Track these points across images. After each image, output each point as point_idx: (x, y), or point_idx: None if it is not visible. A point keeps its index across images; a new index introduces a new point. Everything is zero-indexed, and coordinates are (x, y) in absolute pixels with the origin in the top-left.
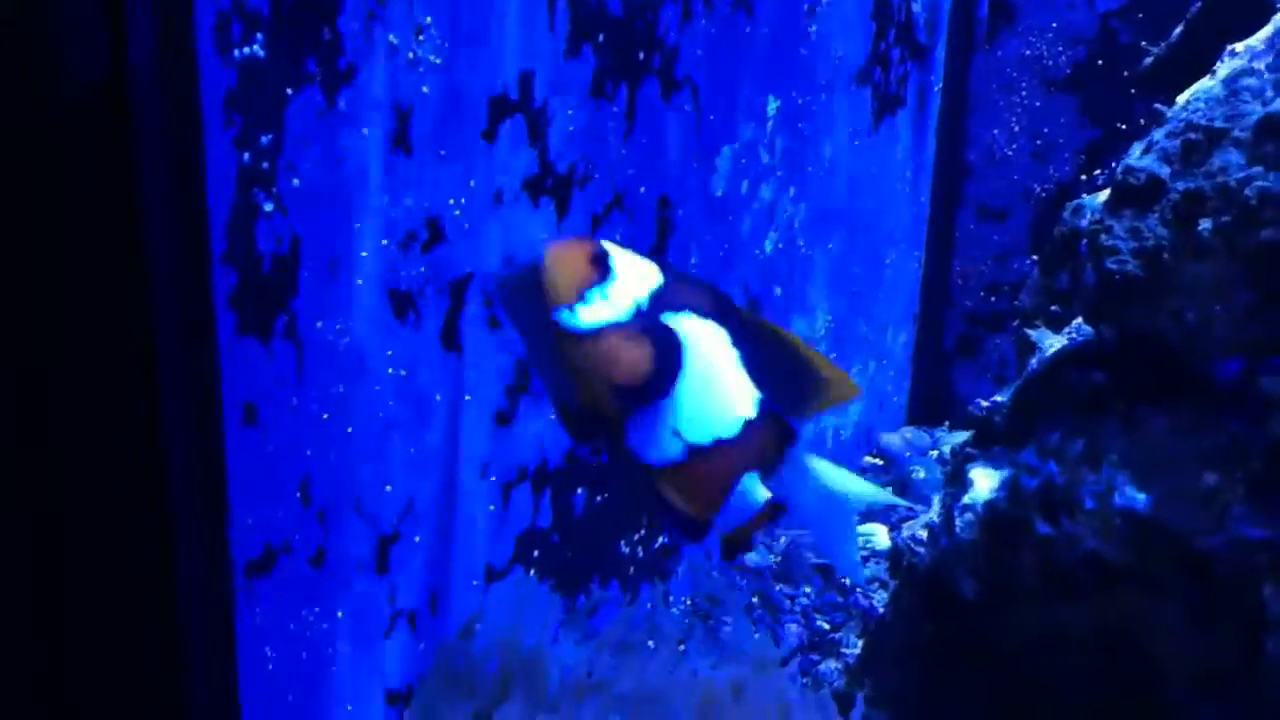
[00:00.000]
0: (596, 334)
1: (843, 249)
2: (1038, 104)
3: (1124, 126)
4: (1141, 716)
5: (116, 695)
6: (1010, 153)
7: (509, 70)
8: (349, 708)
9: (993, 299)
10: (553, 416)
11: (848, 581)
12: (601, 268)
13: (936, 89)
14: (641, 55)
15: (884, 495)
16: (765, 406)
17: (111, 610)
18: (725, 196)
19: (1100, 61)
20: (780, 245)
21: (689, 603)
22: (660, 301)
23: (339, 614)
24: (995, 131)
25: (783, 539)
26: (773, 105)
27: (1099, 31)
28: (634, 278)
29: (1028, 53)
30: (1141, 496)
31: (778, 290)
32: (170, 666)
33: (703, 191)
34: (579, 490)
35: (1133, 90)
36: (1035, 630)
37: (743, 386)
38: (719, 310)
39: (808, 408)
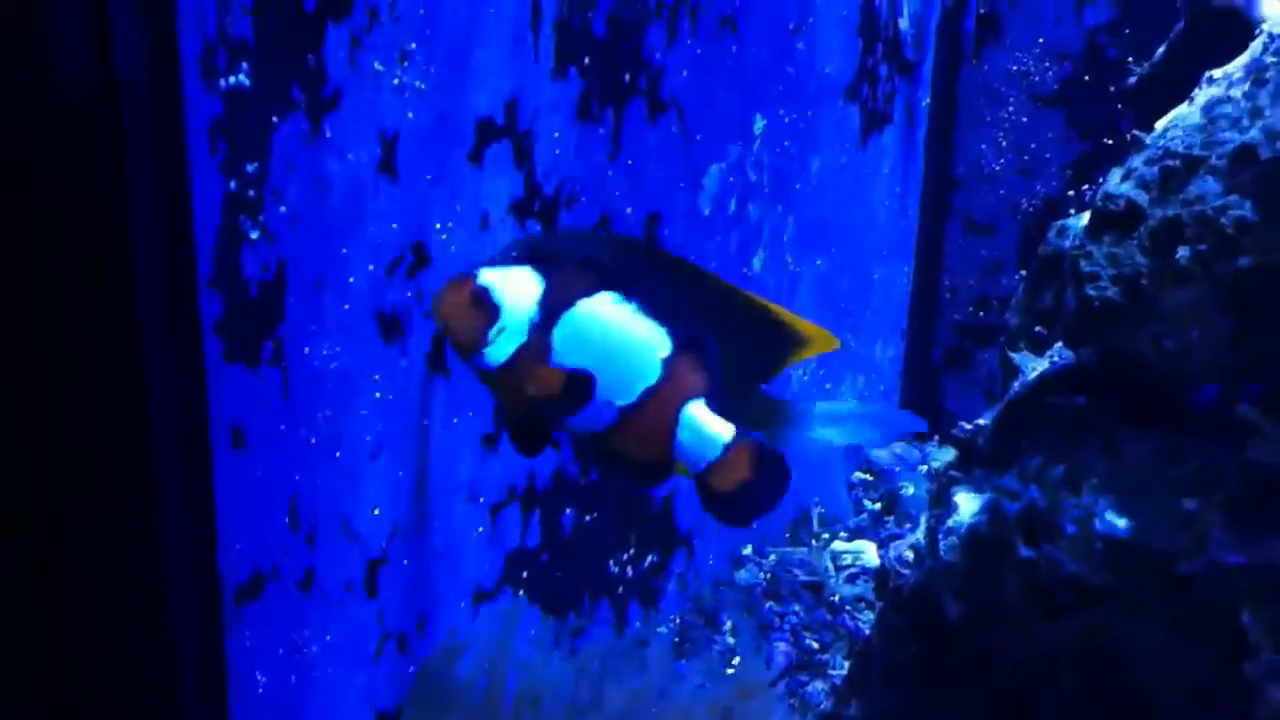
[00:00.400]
0: (507, 366)
1: (831, 265)
2: (1025, 119)
3: (1110, 142)
4: None
5: None
6: (998, 168)
7: (495, 94)
8: None
9: (981, 313)
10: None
11: (836, 598)
12: (489, 307)
13: (924, 104)
14: (627, 77)
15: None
16: (677, 337)
17: (102, 636)
18: (712, 215)
19: (1087, 77)
20: (768, 263)
21: (678, 620)
22: (548, 307)
23: (328, 637)
24: (983, 146)
25: (772, 556)
26: (760, 124)
27: (1085, 47)
28: (518, 299)
29: (1015, 68)
30: (1122, 521)
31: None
32: (162, 692)
33: (690, 211)
34: (567, 510)
35: (1119, 106)
36: (1019, 652)
37: (648, 333)
38: (604, 274)
39: (786, 359)
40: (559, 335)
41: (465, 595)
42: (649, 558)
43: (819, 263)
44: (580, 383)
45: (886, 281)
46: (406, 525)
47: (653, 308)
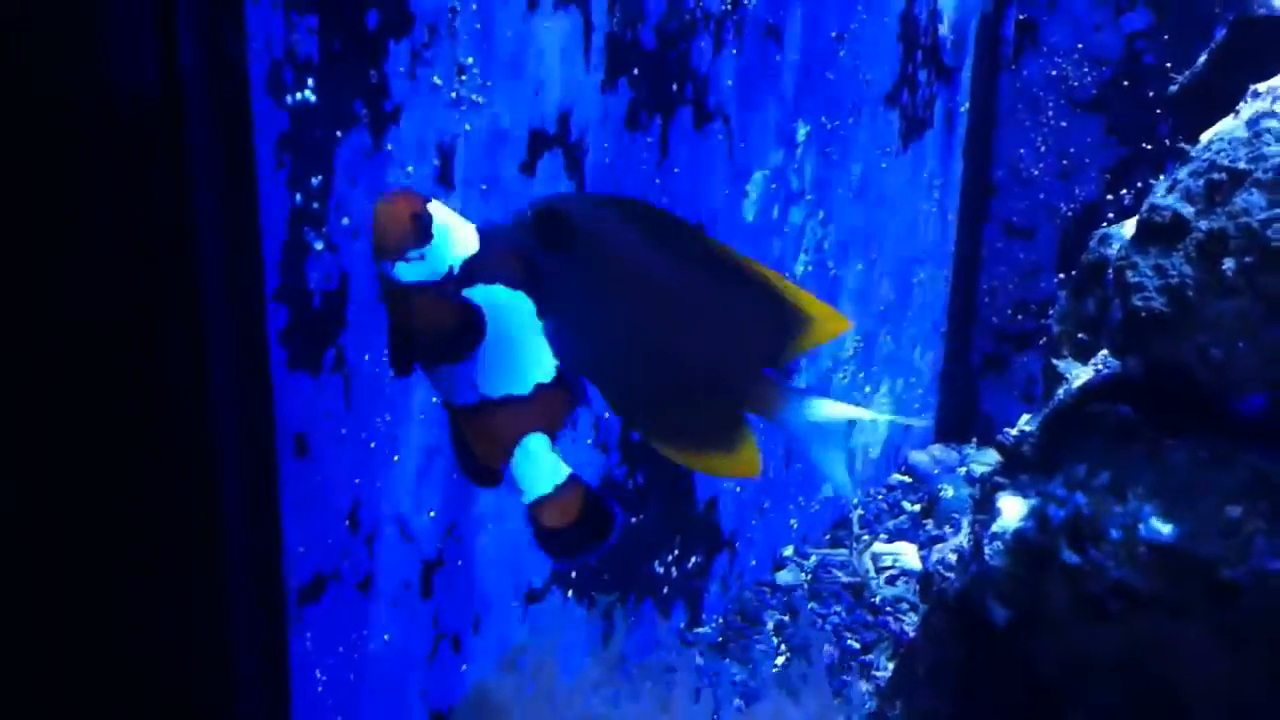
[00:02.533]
0: (408, 290)
1: (870, 269)
2: (1064, 124)
3: (1149, 147)
4: None
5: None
6: (1036, 172)
7: (547, 105)
8: None
9: (1019, 317)
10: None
11: (877, 599)
12: (423, 230)
13: (963, 110)
14: (675, 86)
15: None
16: (560, 376)
17: (166, 635)
18: (756, 221)
19: (1125, 82)
20: (810, 267)
21: (721, 620)
22: (472, 270)
23: (385, 636)
24: (1022, 151)
25: (813, 557)
26: (802, 131)
27: (1124, 52)
28: (451, 243)
29: (1053, 73)
30: (1167, 528)
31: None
32: (224, 689)
33: (734, 217)
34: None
35: (1158, 111)
36: (1063, 657)
37: (539, 355)
38: (531, 279)
39: (796, 345)
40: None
41: (517, 596)
42: (693, 559)
43: (859, 267)
44: (470, 327)
45: (925, 285)
46: (460, 527)
47: (557, 342)
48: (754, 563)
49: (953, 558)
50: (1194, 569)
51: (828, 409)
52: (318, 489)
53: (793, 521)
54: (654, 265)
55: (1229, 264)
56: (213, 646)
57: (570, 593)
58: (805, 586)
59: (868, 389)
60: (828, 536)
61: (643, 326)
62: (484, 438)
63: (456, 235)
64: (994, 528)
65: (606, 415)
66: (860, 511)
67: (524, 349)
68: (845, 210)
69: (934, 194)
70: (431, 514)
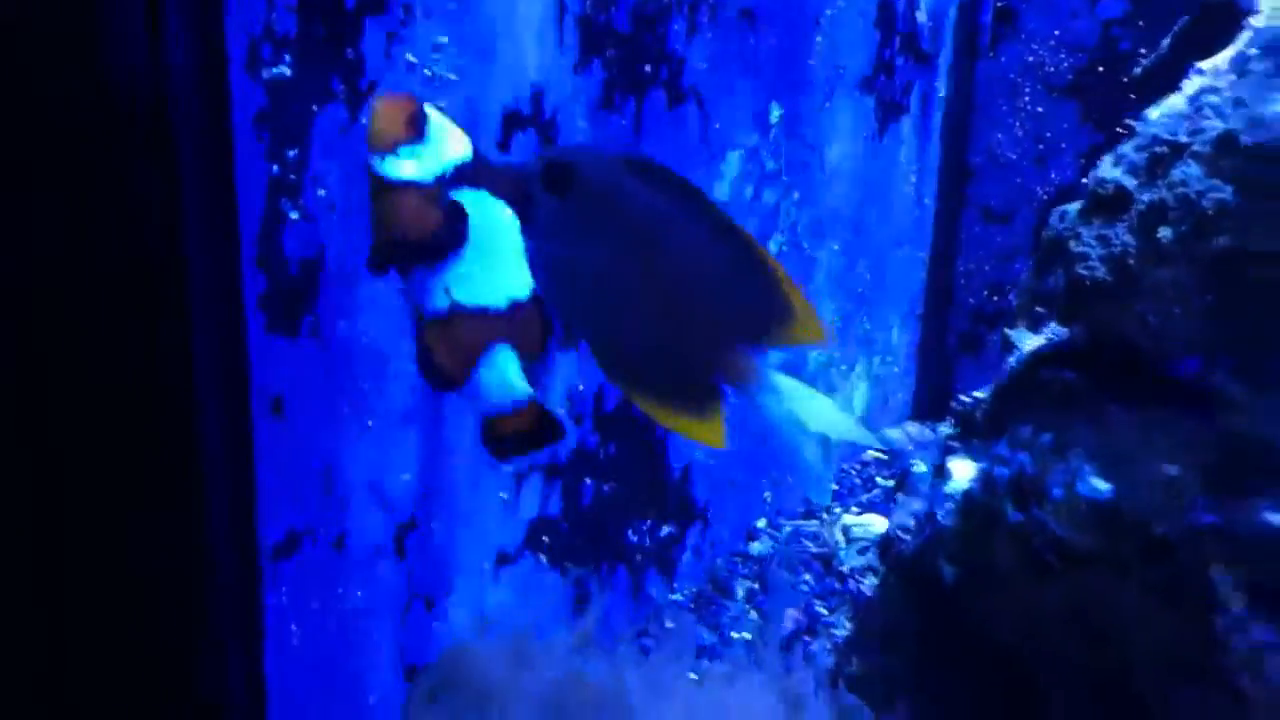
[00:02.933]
0: (397, 187)
1: (847, 251)
2: (1040, 109)
3: (1124, 132)
4: (1116, 694)
5: (150, 670)
6: (1014, 156)
7: (521, 85)
8: (369, 684)
9: (995, 298)
10: None
11: (846, 568)
12: (418, 129)
13: (941, 95)
14: (649, 68)
15: (850, 427)
16: (536, 298)
17: (144, 590)
18: (730, 201)
19: (1101, 68)
20: (785, 247)
21: (693, 589)
22: (462, 175)
23: (359, 594)
24: (999, 136)
25: (786, 529)
26: (776, 113)
27: (1100, 39)
28: (445, 145)
29: (1030, 59)
30: (1105, 486)
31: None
32: (201, 640)
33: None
34: (587, 481)
35: (1132, 96)
36: (1011, 614)
37: (518, 272)
38: (518, 197)
39: (770, 337)
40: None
41: (489, 559)
42: (666, 529)
43: (835, 247)
44: (453, 230)
45: (902, 267)
46: (434, 492)
47: (545, 282)
48: (727, 534)
49: (911, 522)
50: (1130, 526)
51: (801, 395)
52: (293, 449)
53: (766, 494)
54: (652, 221)
55: (1166, 233)
56: (190, 597)
57: (543, 557)
58: (776, 556)
59: (843, 367)
60: (801, 509)
61: (632, 278)
62: (451, 345)
63: (451, 138)
64: (945, 490)
65: (580, 388)
66: (834, 486)
67: (503, 261)
68: (820, 192)
69: (910, 178)
70: (406, 477)
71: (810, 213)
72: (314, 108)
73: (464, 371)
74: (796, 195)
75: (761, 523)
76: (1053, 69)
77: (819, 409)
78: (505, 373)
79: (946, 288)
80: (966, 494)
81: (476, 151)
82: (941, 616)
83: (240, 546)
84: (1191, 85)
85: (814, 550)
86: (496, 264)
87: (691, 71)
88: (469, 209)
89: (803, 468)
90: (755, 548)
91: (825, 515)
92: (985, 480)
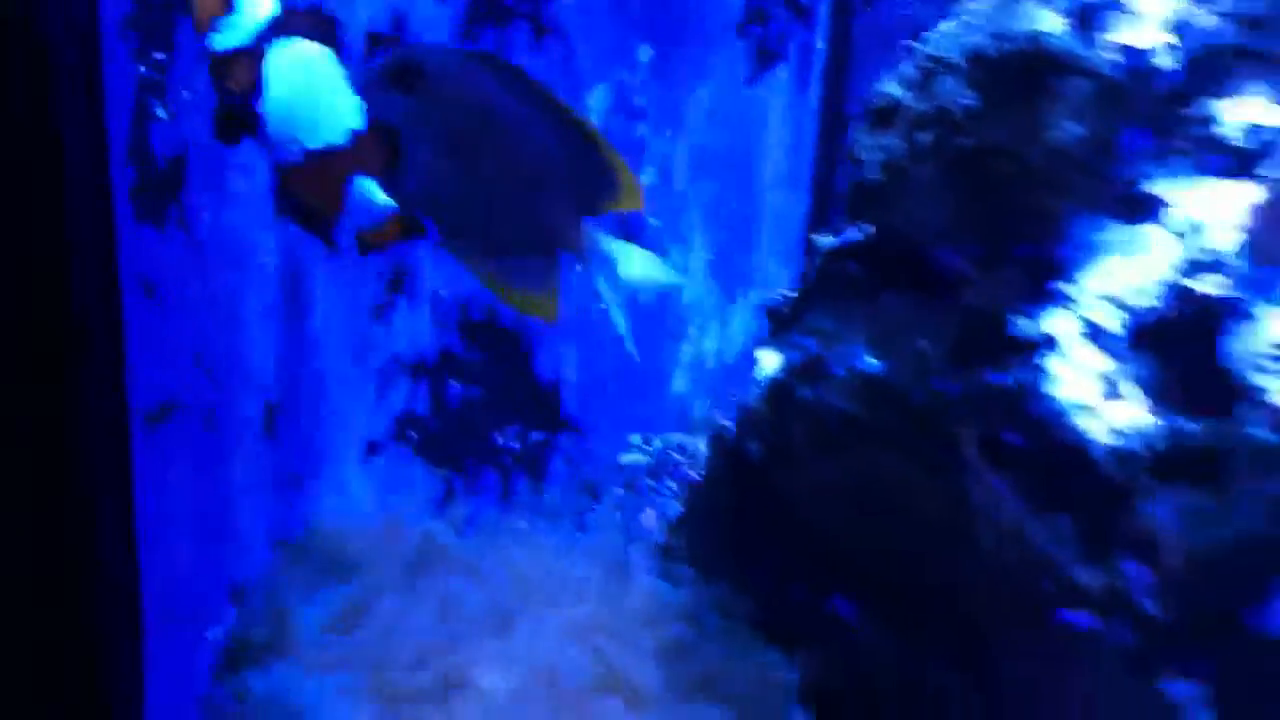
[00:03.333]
0: (222, 57)
1: (723, 188)
2: None
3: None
4: (897, 557)
5: (21, 526)
6: None
7: (380, 11)
8: (238, 551)
9: None
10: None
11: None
12: (228, 3)
13: (819, 47)
14: (510, 1)
15: (664, 271)
16: (372, 120)
17: (19, 450)
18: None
19: None
20: (656, 182)
21: (560, 494)
22: (276, 27)
23: (229, 467)
24: (874, 85)
25: (657, 442)
26: (646, 53)
27: None
28: (253, 9)
29: (906, 13)
30: (876, 362)
31: (654, 222)
32: (81, 494)
33: None
34: (454, 383)
35: None
36: (807, 485)
37: (348, 103)
38: (331, 36)
39: (600, 205)
40: (273, 54)
41: (357, 446)
42: (535, 436)
43: (709, 186)
44: (264, 76)
45: (781, 208)
46: (301, 380)
47: (365, 92)
48: (600, 444)
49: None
50: (894, 397)
51: (624, 251)
52: (164, 328)
53: (640, 408)
54: (492, 106)
55: (925, 137)
56: (64, 460)
57: (413, 451)
58: (645, 466)
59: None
60: (675, 423)
61: (474, 160)
62: (313, 188)
63: (258, 1)
64: (756, 377)
65: (444, 293)
66: (708, 401)
67: (332, 98)
68: (693, 132)
69: (788, 124)
70: (272, 365)
71: (683, 150)
72: (178, 14)
73: (333, 207)
74: (669, 133)
75: (636, 438)
76: (924, 23)
77: (636, 259)
78: (366, 197)
79: (822, 228)
80: (771, 380)
81: (286, 7)
82: (754, 493)
83: (113, 414)
84: (964, 9)
85: (681, 460)
86: (328, 101)
87: (557, 6)
88: (289, 57)
89: (619, 325)
90: (627, 458)
91: (697, 429)
92: (784, 365)
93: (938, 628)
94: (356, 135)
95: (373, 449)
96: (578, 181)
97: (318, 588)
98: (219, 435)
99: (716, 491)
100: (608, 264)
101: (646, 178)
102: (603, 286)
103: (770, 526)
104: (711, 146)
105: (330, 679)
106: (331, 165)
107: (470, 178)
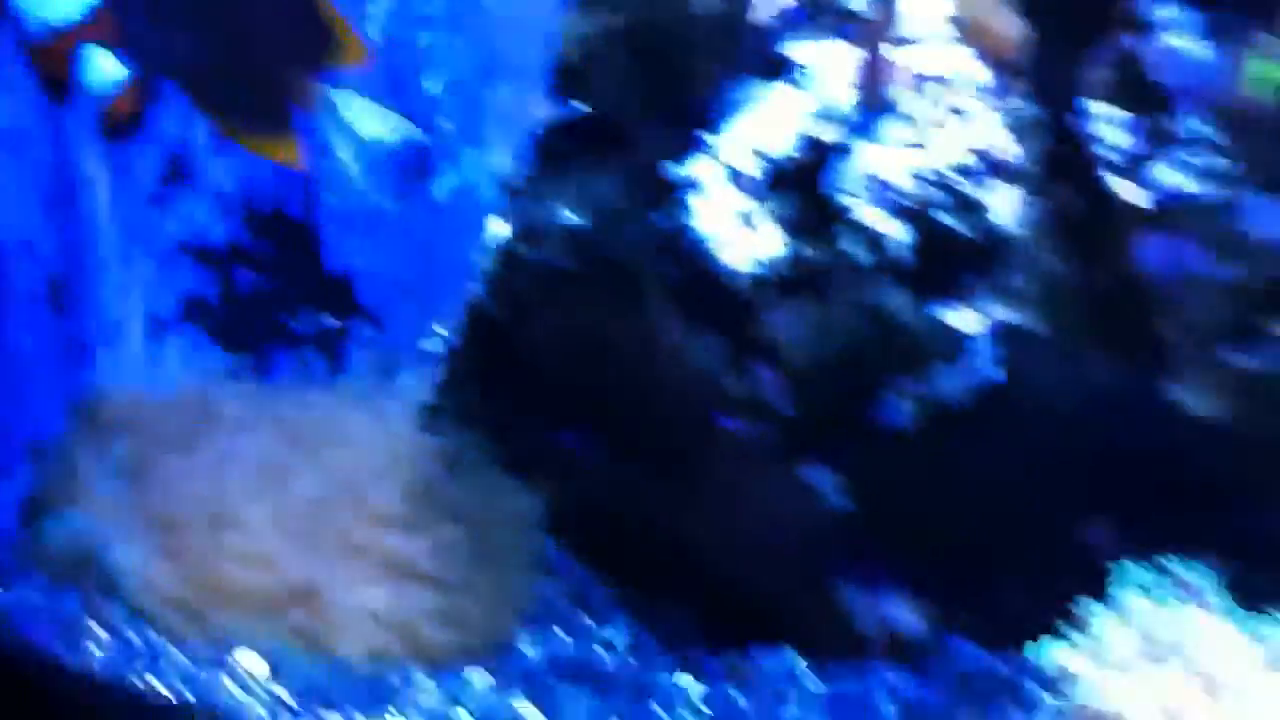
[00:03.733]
0: None
1: (518, 94)
2: None
3: None
4: (612, 390)
5: None
6: None
7: None
8: (33, 417)
9: None
10: None
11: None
12: None
13: None
14: None
15: (393, 121)
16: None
17: None
18: (383, 41)
19: None
20: (448, 86)
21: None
22: None
23: (19, 338)
24: None
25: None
26: None
27: None
28: None
29: None
30: (576, 219)
31: (448, 125)
32: None
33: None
34: (245, 270)
35: None
36: (537, 334)
37: None
38: None
39: (315, 59)
40: None
41: (146, 322)
42: (330, 322)
43: (505, 90)
44: None
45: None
46: (81, 258)
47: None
48: (396, 332)
49: None
50: (593, 247)
51: (352, 103)
52: None
53: (440, 298)
54: None
55: (602, 20)
56: None
57: (204, 332)
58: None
59: None
60: None
61: (205, 23)
62: (50, 63)
63: None
64: (489, 244)
65: (228, 190)
66: None
67: None
68: (485, 38)
69: None
70: (52, 244)
71: (474, 57)
72: None
73: (66, 73)
74: (460, 41)
75: (439, 326)
76: None
77: (365, 111)
78: (96, 65)
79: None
80: (501, 244)
81: None
82: (498, 347)
83: None
84: None
85: None
86: None
87: None
88: None
89: (346, 172)
90: (428, 344)
91: None
92: (513, 231)
93: (644, 447)
94: (95, 9)
95: (162, 326)
96: (298, 39)
97: (107, 447)
98: (5, 305)
99: (471, 350)
100: (336, 115)
101: (437, 83)
102: (334, 137)
103: (512, 376)
104: (503, 53)
105: (117, 524)
106: (65, 39)
107: (201, 38)
